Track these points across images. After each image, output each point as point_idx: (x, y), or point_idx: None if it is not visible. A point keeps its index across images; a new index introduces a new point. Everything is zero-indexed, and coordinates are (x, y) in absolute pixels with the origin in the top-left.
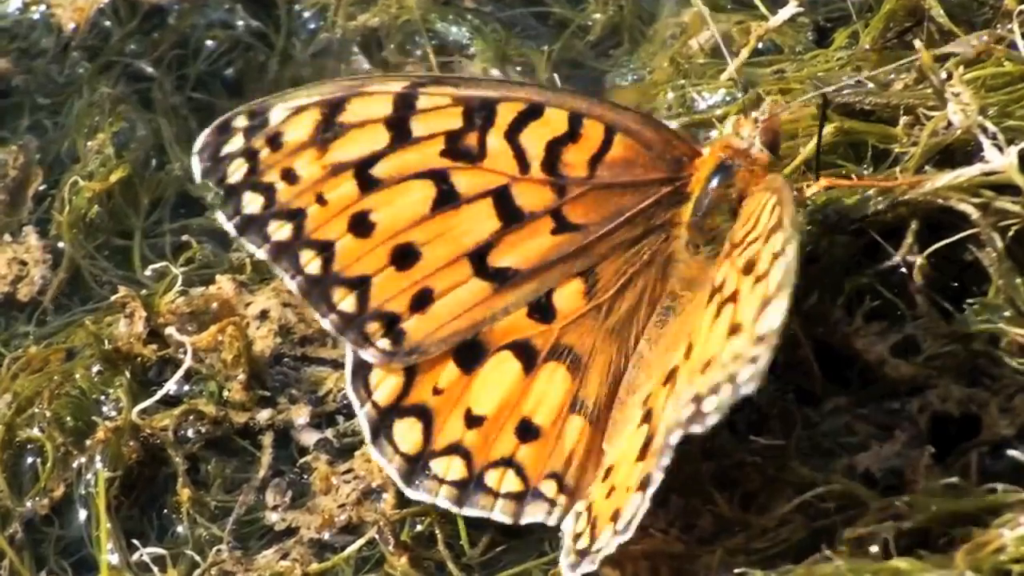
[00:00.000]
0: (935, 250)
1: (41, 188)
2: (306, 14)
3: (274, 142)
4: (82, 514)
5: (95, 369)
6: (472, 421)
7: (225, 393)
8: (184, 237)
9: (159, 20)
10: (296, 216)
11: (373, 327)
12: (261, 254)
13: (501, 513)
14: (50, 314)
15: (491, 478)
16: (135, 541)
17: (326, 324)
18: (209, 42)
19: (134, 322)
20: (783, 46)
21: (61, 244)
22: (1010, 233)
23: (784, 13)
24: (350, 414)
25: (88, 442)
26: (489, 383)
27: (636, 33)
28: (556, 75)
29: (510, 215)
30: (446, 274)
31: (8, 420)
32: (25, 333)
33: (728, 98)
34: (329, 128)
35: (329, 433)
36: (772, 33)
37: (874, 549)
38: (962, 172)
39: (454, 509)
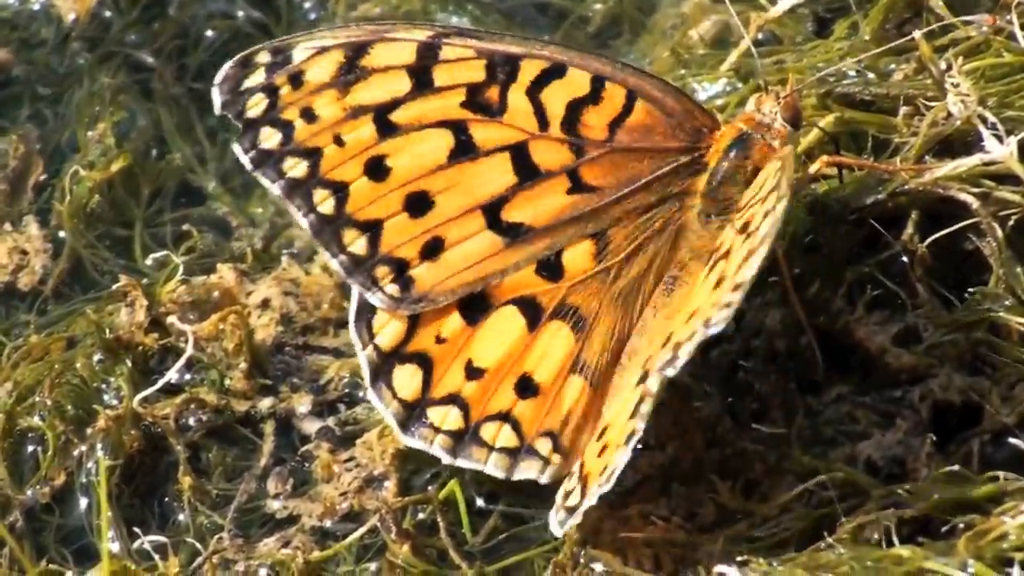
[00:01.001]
0: (936, 239)
1: (42, 178)
2: (306, 4)
3: (295, 80)
4: (83, 502)
5: (96, 358)
6: (472, 373)
7: (226, 382)
8: (185, 226)
9: (159, 10)
10: (312, 155)
11: (382, 271)
12: (274, 189)
13: (494, 467)
14: (51, 303)
15: (487, 431)
16: (136, 529)
17: (335, 264)
18: (209, 32)
19: (135, 311)
20: (783, 37)
21: (62, 233)
22: (1010, 223)
23: (784, 4)
24: (352, 402)
25: (89, 431)
26: (492, 336)
27: (636, 23)
28: None
29: (526, 171)
30: (459, 225)
31: (9, 409)
32: (26, 322)
33: (729, 88)
34: (352, 70)
35: (331, 421)
36: (772, 24)
37: (876, 537)
38: (962, 162)
39: (447, 459)
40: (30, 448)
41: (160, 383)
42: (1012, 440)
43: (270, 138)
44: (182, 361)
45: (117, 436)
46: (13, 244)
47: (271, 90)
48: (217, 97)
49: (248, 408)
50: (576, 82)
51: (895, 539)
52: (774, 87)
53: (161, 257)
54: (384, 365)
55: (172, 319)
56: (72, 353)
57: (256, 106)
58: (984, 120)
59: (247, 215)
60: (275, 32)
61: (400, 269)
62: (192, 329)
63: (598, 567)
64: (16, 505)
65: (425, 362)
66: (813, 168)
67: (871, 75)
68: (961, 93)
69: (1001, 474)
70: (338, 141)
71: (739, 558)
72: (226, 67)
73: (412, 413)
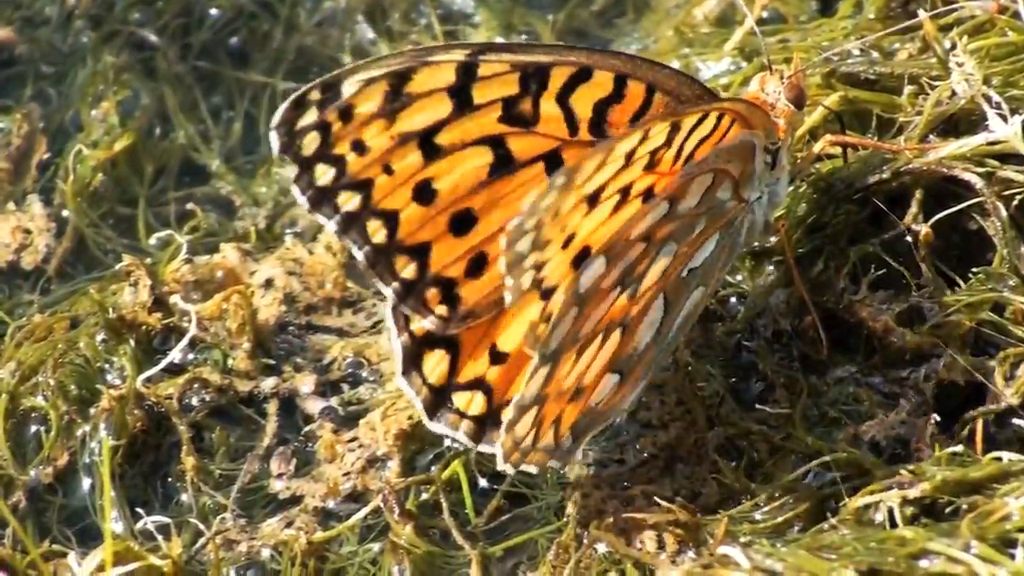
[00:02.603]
0: (940, 219)
1: (45, 157)
2: None
3: (345, 114)
4: (86, 483)
5: (99, 338)
6: (497, 357)
7: (230, 361)
8: (189, 205)
9: None
10: (365, 187)
11: (431, 293)
12: (331, 227)
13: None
14: (54, 283)
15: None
16: (139, 510)
17: (388, 293)
18: (213, 11)
19: (139, 291)
20: (787, 15)
21: (65, 213)
22: (1014, 202)
23: None
24: (355, 382)
25: (92, 411)
26: (517, 321)
27: (640, 3)
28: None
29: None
30: (500, 239)
31: (12, 389)
32: (29, 302)
33: (733, 67)
34: (397, 98)
35: (334, 401)
36: (776, 2)
37: (879, 518)
38: (966, 141)
39: (470, 445)
40: (33, 428)
41: (163, 363)
42: (1016, 420)
43: (324, 174)
44: (185, 341)
45: (120, 416)
46: (16, 223)
47: (323, 127)
48: (275, 140)
49: (251, 388)
50: (601, 83)
51: (898, 520)
52: (778, 67)
53: (164, 236)
54: (417, 351)
55: (175, 299)
56: (75, 333)
57: (310, 144)
58: (988, 99)
59: (251, 194)
60: (279, 12)
61: (447, 289)
62: (195, 309)
63: (601, 548)
64: (19, 485)
65: (452, 346)
66: (817, 147)
67: (875, 54)
68: (966, 72)
69: (1005, 455)
70: (387, 170)
71: (742, 539)
72: (281, 109)
73: (439, 398)
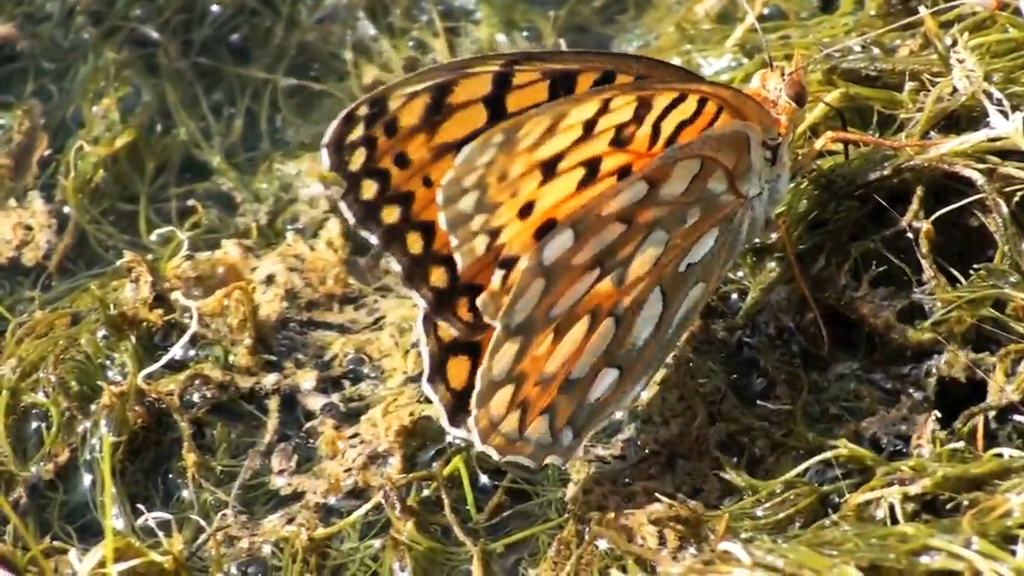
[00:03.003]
0: (941, 216)
1: (46, 153)
2: None
3: (390, 128)
4: (87, 479)
5: (100, 334)
6: None
7: (231, 358)
8: (190, 202)
9: None
10: (406, 199)
11: (462, 301)
12: (375, 240)
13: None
14: (55, 279)
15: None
16: (140, 506)
17: (421, 303)
18: (215, 7)
19: (140, 287)
20: (788, 12)
21: (66, 209)
22: (1015, 199)
23: None
24: (356, 379)
25: (93, 407)
26: None
27: None
28: (562, 40)
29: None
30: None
31: (13, 385)
32: (30, 298)
33: (734, 63)
34: (438, 111)
35: (335, 398)
36: None
37: (880, 514)
38: (967, 138)
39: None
40: (34, 424)
41: (164, 359)
42: (1017, 417)
43: (369, 188)
44: (186, 337)
45: (121, 412)
46: (17, 219)
47: (370, 142)
48: (326, 158)
49: (252, 384)
50: None
51: (900, 516)
52: (779, 63)
53: (166, 232)
54: (442, 356)
55: (176, 295)
56: (76, 329)
57: (357, 160)
58: (989, 96)
59: (252, 190)
60: (280, 8)
61: (475, 296)
62: (196, 305)
63: (602, 544)
64: (20, 482)
65: (473, 351)
66: (818, 144)
67: (876, 51)
68: (966, 69)
69: (1006, 451)
70: (427, 182)
71: (743, 535)
72: (332, 126)
73: (460, 403)
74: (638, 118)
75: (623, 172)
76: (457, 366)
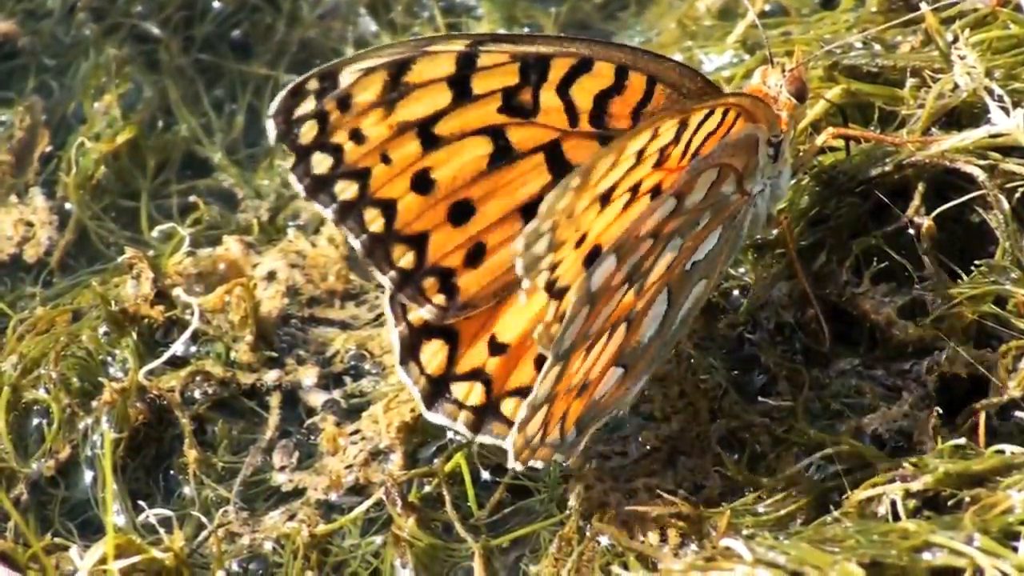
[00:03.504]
0: (942, 212)
1: (48, 149)
2: None
3: (343, 103)
4: (88, 475)
5: (102, 330)
6: (495, 348)
7: (232, 354)
8: (191, 198)
9: None
10: (362, 176)
11: (429, 283)
12: (328, 214)
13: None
14: (56, 275)
15: (507, 407)
16: (141, 502)
17: (385, 282)
18: (216, 3)
19: (141, 283)
20: (789, 8)
21: (68, 205)
22: (1017, 195)
23: None
24: (357, 375)
25: (94, 403)
26: (517, 312)
27: None
28: None
29: (560, 169)
30: (499, 229)
31: (14, 381)
32: (32, 294)
33: (735, 60)
34: (396, 88)
35: (336, 394)
36: None
37: (882, 511)
38: (969, 134)
39: (469, 435)
40: (35, 421)
41: (166, 355)
42: (1018, 413)
43: (321, 163)
44: (188, 333)
45: (122, 409)
46: (19, 216)
47: (321, 116)
48: (272, 129)
49: (254, 381)
50: (602, 74)
51: (901, 513)
52: (780, 60)
53: (167, 229)
54: (414, 341)
55: (178, 291)
56: (78, 325)
57: (307, 133)
58: (991, 92)
59: (253, 187)
60: (281, 5)
61: (445, 278)
62: (198, 301)
63: (604, 540)
64: (21, 478)
65: (451, 336)
66: (820, 140)
67: (878, 47)
68: (968, 65)
69: (1007, 447)
70: (385, 159)
71: (745, 531)
72: (279, 98)
73: (437, 388)
74: (677, 138)
75: (655, 190)
76: (432, 350)
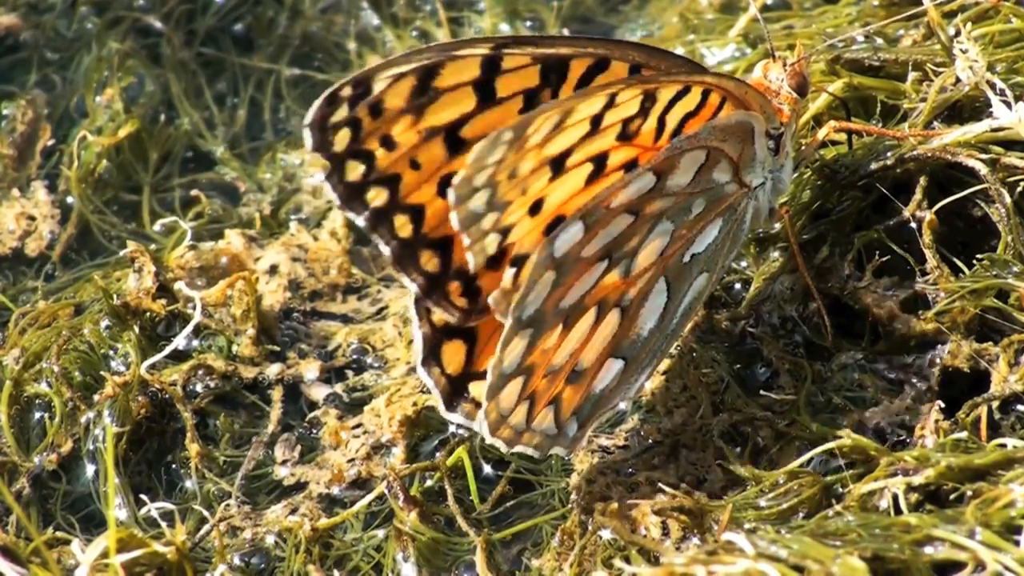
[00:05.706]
0: (944, 206)
1: (50, 143)
2: None
3: (375, 110)
4: (90, 469)
5: (104, 324)
6: None
7: (234, 348)
8: (193, 192)
9: None
10: (392, 182)
11: (453, 286)
12: (361, 222)
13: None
14: (58, 269)
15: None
16: (143, 496)
17: (412, 287)
18: None
19: (143, 277)
20: (791, 2)
21: (70, 199)
22: (1019, 188)
23: None
24: (360, 369)
25: (96, 397)
26: None
27: None
28: (565, 31)
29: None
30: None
31: (16, 375)
32: (33, 288)
33: (737, 53)
34: (424, 93)
35: (338, 388)
36: None
37: (884, 504)
38: (971, 128)
39: (488, 436)
40: (37, 415)
41: (168, 349)
42: (1020, 407)
43: (354, 170)
44: (190, 327)
45: (124, 403)
46: (21, 209)
47: (354, 123)
48: (308, 138)
49: (256, 374)
50: (616, 73)
51: (903, 506)
52: (781, 54)
53: (169, 223)
54: (436, 340)
55: (180, 285)
56: (79, 319)
57: (341, 141)
58: (992, 86)
59: (255, 180)
60: None
61: (469, 281)
62: (200, 295)
63: (605, 534)
64: (23, 472)
65: (469, 336)
66: (821, 134)
67: (879, 41)
68: (970, 59)
69: (1009, 441)
70: (414, 165)
71: (747, 525)
72: (314, 107)
73: (456, 387)
74: (644, 112)
75: (630, 166)
76: (452, 350)
